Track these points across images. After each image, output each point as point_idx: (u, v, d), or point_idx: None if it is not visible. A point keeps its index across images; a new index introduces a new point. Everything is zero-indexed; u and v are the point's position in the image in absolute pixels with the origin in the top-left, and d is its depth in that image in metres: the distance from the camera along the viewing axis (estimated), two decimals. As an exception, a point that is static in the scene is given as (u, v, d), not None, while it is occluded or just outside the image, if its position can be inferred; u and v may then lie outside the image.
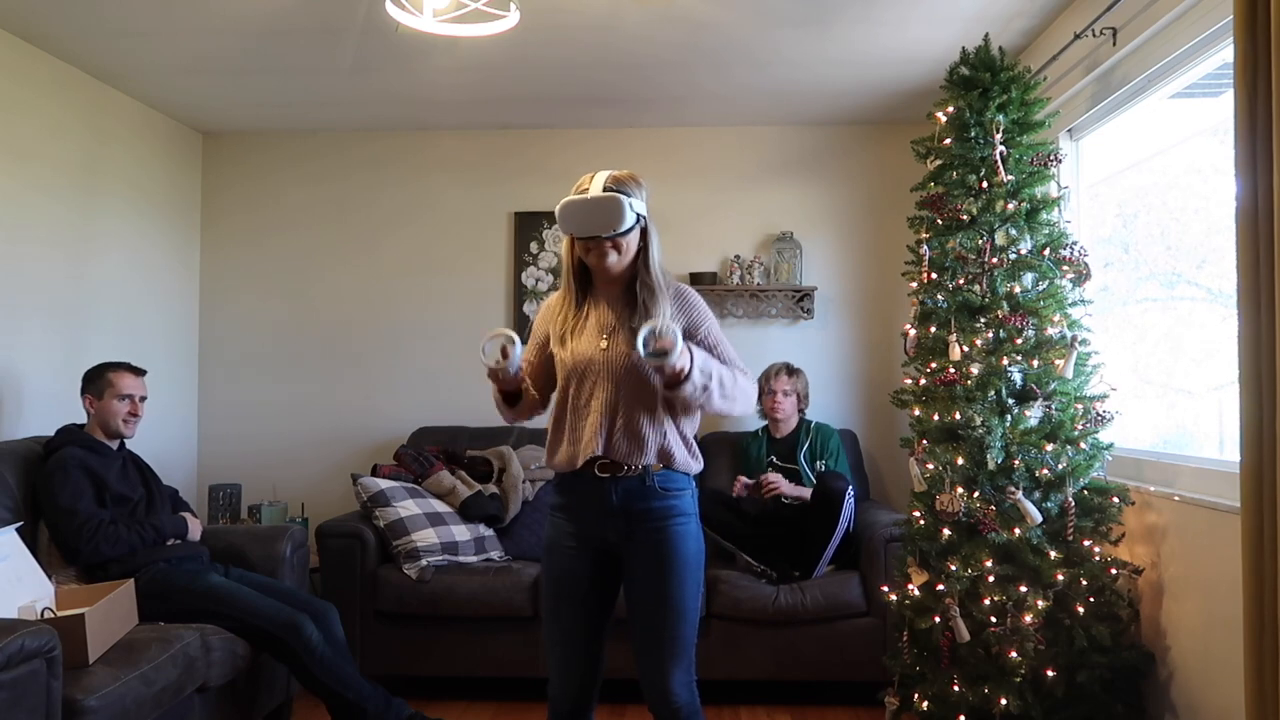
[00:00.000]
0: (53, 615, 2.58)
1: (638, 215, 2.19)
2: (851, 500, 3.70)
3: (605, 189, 2.16)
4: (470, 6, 2.76)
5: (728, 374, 2.21)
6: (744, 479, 3.93)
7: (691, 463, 2.30)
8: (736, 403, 2.25)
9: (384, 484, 3.94)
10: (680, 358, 2.05)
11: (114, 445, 3.25)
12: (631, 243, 2.21)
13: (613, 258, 2.20)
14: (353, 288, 4.81)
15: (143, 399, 3.28)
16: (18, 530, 2.77)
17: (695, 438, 2.34)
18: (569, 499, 2.31)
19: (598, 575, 2.28)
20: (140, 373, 3.30)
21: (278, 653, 3.04)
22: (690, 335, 2.25)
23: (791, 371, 4.15)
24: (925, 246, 3.17)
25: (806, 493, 3.83)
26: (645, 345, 2.03)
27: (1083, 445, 2.91)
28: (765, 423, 4.22)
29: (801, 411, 4.19)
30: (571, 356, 2.26)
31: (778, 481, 3.85)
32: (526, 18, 3.22)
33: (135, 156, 4.30)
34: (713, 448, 4.35)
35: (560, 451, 2.29)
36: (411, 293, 4.79)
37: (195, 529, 3.32)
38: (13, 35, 3.52)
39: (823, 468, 3.99)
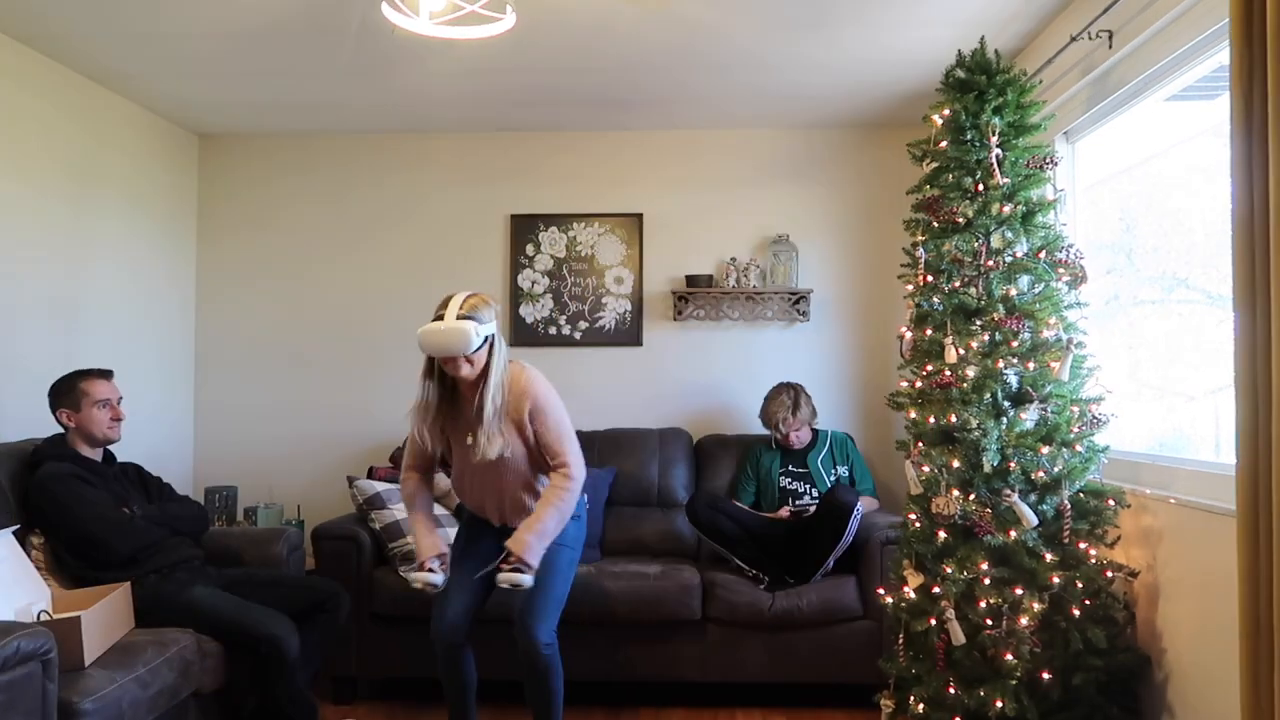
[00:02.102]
0: (49, 618, 2.58)
1: (485, 337, 2.72)
2: (859, 515, 3.65)
3: (458, 317, 2.69)
4: (467, 9, 2.76)
5: (554, 521, 2.80)
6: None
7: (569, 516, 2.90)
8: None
9: (380, 486, 3.94)
10: (528, 578, 2.74)
11: (98, 457, 3.14)
12: (481, 356, 2.76)
13: (465, 369, 2.75)
14: (349, 290, 4.81)
15: (119, 400, 3.18)
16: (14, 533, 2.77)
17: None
18: (473, 517, 3.08)
19: (492, 548, 2.96)
20: (109, 375, 3.19)
21: (257, 665, 2.97)
22: (534, 418, 2.82)
23: (796, 406, 4.07)
24: (921, 249, 3.17)
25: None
26: (503, 585, 2.74)
27: (1079, 448, 2.91)
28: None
29: (812, 426, 4.20)
30: (452, 452, 2.95)
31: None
32: (523, 20, 3.23)
33: (131, 159, 4.30)
34: (713, 448, 4.36)
35: (467, 503, 3.05)
36: (408, 295, 4.79)
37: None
38: (8, 38, 3.51)
39: (844, 473, 4.02)
